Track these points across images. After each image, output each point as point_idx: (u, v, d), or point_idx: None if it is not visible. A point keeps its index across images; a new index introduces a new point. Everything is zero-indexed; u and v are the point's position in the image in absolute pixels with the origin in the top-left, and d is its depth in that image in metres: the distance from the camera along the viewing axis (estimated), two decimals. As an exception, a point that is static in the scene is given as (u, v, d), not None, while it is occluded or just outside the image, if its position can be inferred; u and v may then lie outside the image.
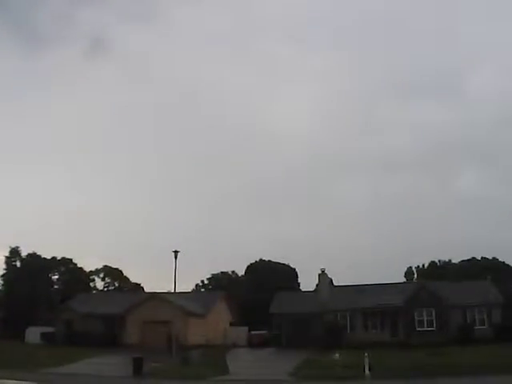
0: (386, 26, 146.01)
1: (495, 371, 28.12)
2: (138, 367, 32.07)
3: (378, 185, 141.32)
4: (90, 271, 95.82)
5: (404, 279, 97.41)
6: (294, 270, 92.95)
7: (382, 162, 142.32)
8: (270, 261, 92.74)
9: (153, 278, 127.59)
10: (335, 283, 71.00)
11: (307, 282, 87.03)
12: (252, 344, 57.92)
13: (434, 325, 54.40)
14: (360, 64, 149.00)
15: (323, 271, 61.61)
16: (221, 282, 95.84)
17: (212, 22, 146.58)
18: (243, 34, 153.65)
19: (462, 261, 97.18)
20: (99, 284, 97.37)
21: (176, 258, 43.88)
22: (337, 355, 29.10)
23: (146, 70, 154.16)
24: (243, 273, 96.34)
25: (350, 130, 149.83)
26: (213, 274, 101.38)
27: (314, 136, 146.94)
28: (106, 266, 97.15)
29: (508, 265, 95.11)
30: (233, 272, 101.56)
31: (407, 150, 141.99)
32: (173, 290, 47.89)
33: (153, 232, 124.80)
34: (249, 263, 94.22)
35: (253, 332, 62.25)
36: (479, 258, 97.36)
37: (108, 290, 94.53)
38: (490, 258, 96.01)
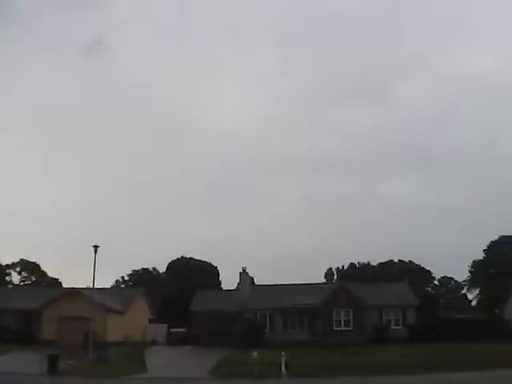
0: (321, 30, 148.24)
1: (406, 370, 29.13)
2: (53, 364, 31.29)
3: (304, 186, 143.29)
4: (6, 265, 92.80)
5: (324, 280, 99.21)
6: (216, 268, 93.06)
7: (311, 164, 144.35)
8: (191, 258, 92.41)
9: (72, 273, 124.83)
10: (257, 282, 71.56)
11: (229, 280, 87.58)
12: (171, 342, 57.54)
13: (351, 325, 55.51)
14: (295, 66, 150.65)
15: (244, 270, 61.89)
16: (141, 279, 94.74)
17: (158, 15, 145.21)
18: (186, 29, 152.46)
19: (381, 263, 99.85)
20: (15, 278, 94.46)
21: (96, 253, 43.17)
22: (255, 354, 29.29)
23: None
24: (164, 270, 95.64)
25: (283, 130, 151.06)
26: (133, 271, 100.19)
27: (245, 135, 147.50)
28: (22, 259, 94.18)
29: (424, 268, 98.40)
30: (154, 269, 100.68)
31: (336, 153, 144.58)
32: (92, 286, 47.05)
33: (73, 227, 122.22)
34: (170, 260, 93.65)
35: (172, 330, 61.88)
36: (396, 261, 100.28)
37: (25, 285, 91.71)
38: (407, 261, 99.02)
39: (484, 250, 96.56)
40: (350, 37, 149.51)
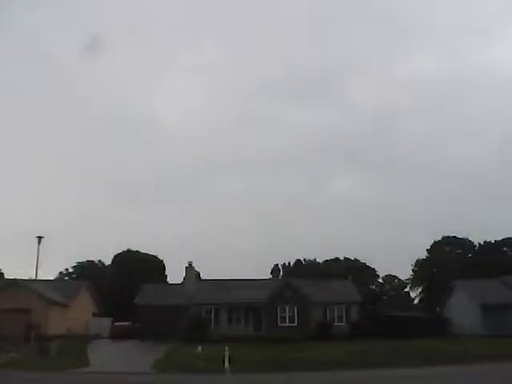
0: (272, 29, 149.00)
1: (347, 366, 29.61)
2: (-8, 357, 30.69)
3: (252, 182, 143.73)
4: None
5: (270, 276, 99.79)
6: (162, 262, 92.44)
7: (260, 160, 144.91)
8: (138, 251, 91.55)
9: (15, 264, 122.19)
10: (203, 277, 71.44)
11: (175, 274, 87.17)
12: (115, 335, 56.93)
13: (296, 321, 56.13)
14: (246, 63, 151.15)
15: (190, 264, 61.71)
16: (86, 271, 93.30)
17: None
18: (134, 20, 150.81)
19: (326, 260, 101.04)
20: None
21: (39, 243, 42.43)
22: (199, 348, 29.29)
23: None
24: (110, 262, 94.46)
25: (233, 127, 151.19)
26: (78, 263, 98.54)
27: (194, 131, 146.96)
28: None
29: (368, 266, 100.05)
30: (99, 261, 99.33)
31: (285, 150, 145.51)
32: (35, 277, 46.20)
33: (16, 217, 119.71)
34: (116, 253, 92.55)
35: (117, 323, 61.24)
36: (342, 259, 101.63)
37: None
38: (353, 258, 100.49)
39: (427, 250, 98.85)
40: (302, 36, 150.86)
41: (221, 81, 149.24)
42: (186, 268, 61.77)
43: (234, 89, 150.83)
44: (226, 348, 25.72)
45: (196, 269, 64.72)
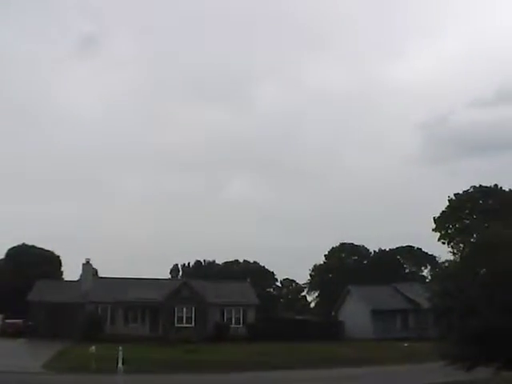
0: (182, 29, 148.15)
1: (243, 368, 29.92)
2: None
3: (154, 181, 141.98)
4: None
5: (170, 276, 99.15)
6: (59, 257, 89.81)
7: (163, 159, 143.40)
8: (33, 246, 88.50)
9: None
10: (101, 275, 69.99)
11: (72, 271, 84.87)
12: (6, 333, 54.81)
13: (193, 322, 56.05)
14: (153, 61, 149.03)
15: (88, 261, 60.41)
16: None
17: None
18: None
19: (226, 262, 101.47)
20: None
21: None
22: (93, 348, 28.75)
23: None
24: (3, 257, 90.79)
25: (134, 124, 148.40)
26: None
27: (96, 126, 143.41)
28: None
29: (267, 269, 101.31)
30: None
31: (188, 150, 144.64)
32: None
33: None
34: (10, 247, 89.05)
35: (7, 320, 58.95)
36: (241, 261, 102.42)
37: None
38: (252, 261, 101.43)
39: (325, 255, 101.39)
40: (209, 37, 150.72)
41: (126, 77, 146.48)
42: (83, 265, 60.42)
43: (138, 86, 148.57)
44: (120, 348, 25.31)
45: (94, 266, 63.43)
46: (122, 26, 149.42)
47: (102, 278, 65.55)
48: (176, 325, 55.49)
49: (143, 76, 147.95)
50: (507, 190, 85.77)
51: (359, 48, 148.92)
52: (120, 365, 24.74)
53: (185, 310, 56.43)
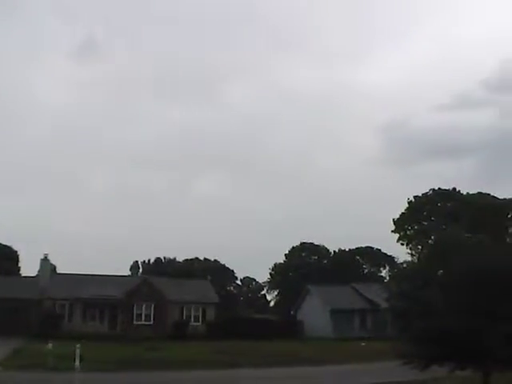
0: (155, 26, 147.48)
1: (202, 366, 29.93)
2: None
3: (116, 175, 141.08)
4: None
5: (129, 273, 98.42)
6: (17, 253, 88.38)
7: (130, 155, 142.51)
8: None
9: None
10: (60, 271, 69.04)
11: (31, 267, 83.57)
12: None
13: (152, 319, 55.79)
14: (123, 59, 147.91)
15: (46, 257, 59.64)
16: None
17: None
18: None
19: (186, 260, 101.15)
20: None
21: None
22: (50, 345, 28.37)
23: None
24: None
25: (102, 117, 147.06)
26: None
27: (66, 119, 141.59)
28: None
29: (228, 268, 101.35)
30: None
31: (152, 146, 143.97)
32: None
33: None
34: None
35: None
36: (202, 259, 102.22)
37: None
38: (212, 259, 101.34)
39: (285, 255, 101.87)
40: (182, 34, 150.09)
41: (96, 73, 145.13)
42: (41, 260, 59.62)
43: (109, 81, 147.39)
44: (78, 345, 25.05)
45: (52, 262, 62.63)
46: (103, 20, 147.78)
47: (60, 274, 64.60)
48: (135, 322, 55.18)
49: (114, 71, 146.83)
50: (465, 193, 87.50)
51: (328, 50, 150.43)
52: (77, 363, 24.48)
53: (144, 307, 56.15)
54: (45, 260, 59.63)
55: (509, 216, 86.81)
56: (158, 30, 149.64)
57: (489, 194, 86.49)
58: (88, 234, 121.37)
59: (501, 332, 14.78)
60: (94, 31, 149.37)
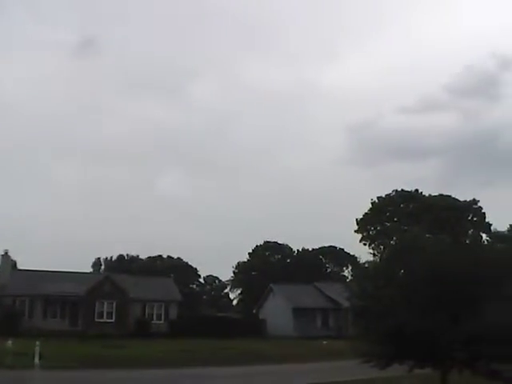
0: (127, 18, 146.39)
1: (164, 364, 29.91)
2: None
3: (82, 172, 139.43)
4: None
5: (92, 269, 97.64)
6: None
7: (93, 151, 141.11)
8: None
9: None
10: (21, 267, 68.10)
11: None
12: None
13: (114, 317, 55.39)
14: (94, 49, 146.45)
15: (6, 253, 58.71)
16: None
17: None
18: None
19: (150, 257, 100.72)
20: None
21: None
22: (9, 342, 28.03)
23: None
24: None
25: (67, 111, 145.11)
26: None
27: (30, 112, 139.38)
28: None
29: (191, 266, 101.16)
30: None
31: (118, 142, 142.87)
32: None
33: None
34: None
35: None
36: (165, 257, 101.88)
37: None
38: (176, 257, 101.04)
39: (249, 253, 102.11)
40: (148, 29, 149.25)
41: (61, 67, 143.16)
42: (1, 256, 58.70)
43: (73, 76, 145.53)
44: (37, 343, 24.81)
45: (13, 258, 61.76)
46: (69, 12, 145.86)
47: (20, 270, 63.75)
48: (96, 320, 54.71)
49: (78, 66, 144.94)
50: (427, 195, 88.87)
51: (296, 50, 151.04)
52: (37, 360, 24.29)
53: (106, 304, 55.72)
54: (5, 256, 58.72)
55: (469, 218, 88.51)
56: (123, 24, 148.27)
57: (450, 196, 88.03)
58: (50, 230, 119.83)
59: (459, 332, 15.09)
60: (58, 26, 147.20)
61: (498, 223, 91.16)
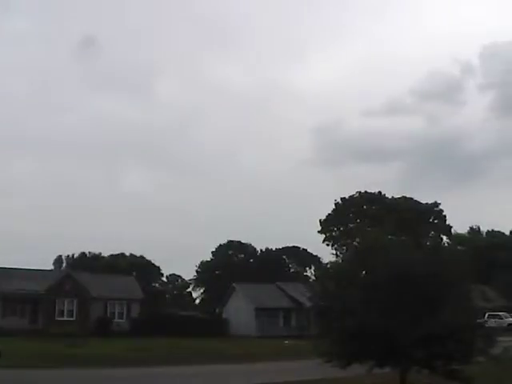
0: (90, 12, 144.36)
1: (123, 363, 29.71)
2: None
3: (44, 167, 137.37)
4: None
5: (53, 267, 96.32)
6: None
7: (56, 146, 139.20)
8: None
9: None
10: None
11: None
12: None
13: (75, 315, 54.84)
14: (59, 43, 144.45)
15: (-34, 250, 57.84)
16: None
17: None
18: None
19: (112, 255, 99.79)
20: None
21: None
22: (-33, 340, 27.61)
23: None
24: None
25: (28, 106, 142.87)
26: None
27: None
28: None
29: (153, 264, 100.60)
30: None
31: (81, 138, 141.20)
32: None
33: None
34: None
35: None
36: (128, 254, 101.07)
37: None
38: (138, 255, 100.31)
39: (212, 252, 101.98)
40: (113, 24, 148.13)
41: (22, 59, 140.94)
42: (-40, 253, 57.77)
43: (34, 69, 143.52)
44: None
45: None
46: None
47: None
48: (57, 318, 54.09)
49: (40, 59, 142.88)
50: (390, 197, 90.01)
51: (261, 50, 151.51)
52: (-5, 358, 23.97)
53: (66, 302, 55.13)
54: (-36, 253, 57.76)
55: (430, 220, 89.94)
56: (86, 18, 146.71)
57: (412, 199, 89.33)
58: (9, 227, 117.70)
59: (418, 332, 15.36)
60: (22, 18, 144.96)
61: (458, 226, 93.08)
